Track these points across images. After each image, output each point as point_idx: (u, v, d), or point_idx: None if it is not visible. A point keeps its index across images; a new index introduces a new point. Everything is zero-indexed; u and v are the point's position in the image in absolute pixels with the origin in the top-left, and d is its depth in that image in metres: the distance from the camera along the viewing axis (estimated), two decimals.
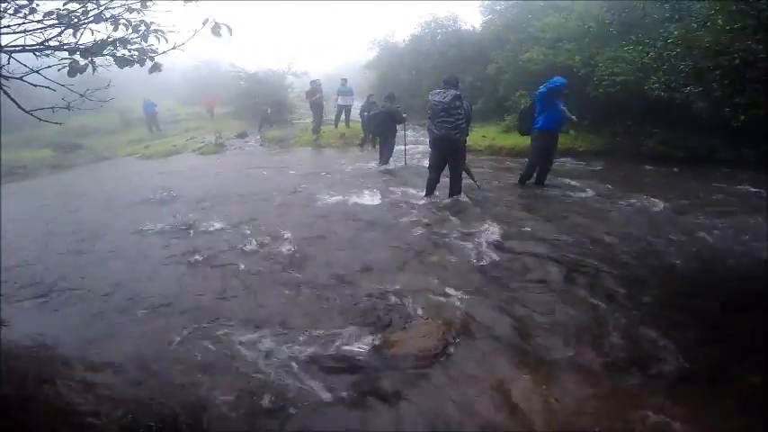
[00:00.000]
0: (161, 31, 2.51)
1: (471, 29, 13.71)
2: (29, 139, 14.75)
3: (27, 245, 4.71)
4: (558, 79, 5.32)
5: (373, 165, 7.74)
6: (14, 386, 2.31)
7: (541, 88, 5.31)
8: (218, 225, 4.90)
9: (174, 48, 2.53)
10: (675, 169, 6.76)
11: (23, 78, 2.27)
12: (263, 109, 13.72)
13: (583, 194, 5.51)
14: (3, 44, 2.24)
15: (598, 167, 7.11)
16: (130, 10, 2.47)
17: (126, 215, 5.68)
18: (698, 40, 3.79)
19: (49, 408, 2.20)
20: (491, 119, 10.43)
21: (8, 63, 2.29)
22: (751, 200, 5.10)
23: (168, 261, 4.03)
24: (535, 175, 5.80)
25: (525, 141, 8.08)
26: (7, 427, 1.97)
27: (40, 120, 2.42)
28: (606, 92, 7.50)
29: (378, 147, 7.99)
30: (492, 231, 4.23)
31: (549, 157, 5.72)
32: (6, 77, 2.26)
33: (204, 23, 2.35)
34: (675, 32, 4.42)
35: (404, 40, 15.79)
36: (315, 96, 11.09)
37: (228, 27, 2.37)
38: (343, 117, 12.11)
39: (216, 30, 2.36)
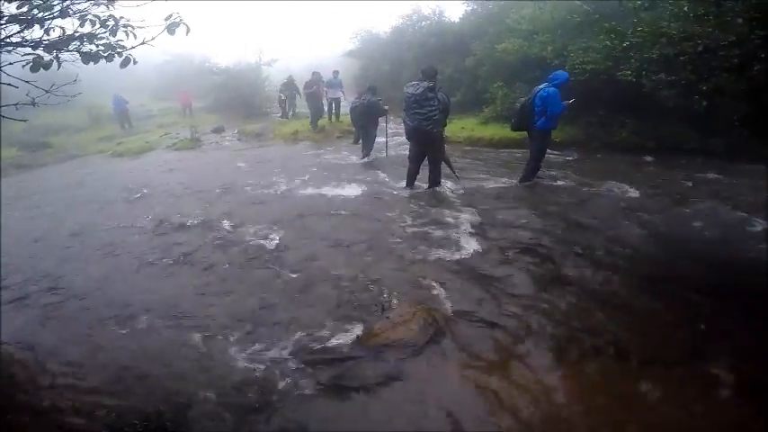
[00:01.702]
0: (130, 26, 2.45)
1: (453, 21, 13.75)
2: None
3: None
4: (562, 74, 5.17)
5: (354, 157, 7.72)
6: None
7: (548, 88, 5.02)
8: (195, 221, 4.82)
9: (142, 43, 2.47)
10: (647, 158, 6.97)
11: None
12: (278, 96, 13.44)
13: (558, 184, 5.65)
14: None
15: (572, 157, 7.29)
16: (98, 4, 2.40)
17: (99, 214, 5.52)
18: (665, 27, 3.85)
19: (33, 410, 2.17)
20: (470, 110, 10.51)
21: None
22: (717, 187, 5.33)
23: (146, 260, 3.96)
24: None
25: (504, 133, 8.26)
26: None
27: (3, 117, 2.33)
28: (577, 80, 7.65)
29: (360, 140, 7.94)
30: (470, 220, 4.31)
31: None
32: None
33: (167, 19, 2.31)
34: (646, 19, 4.48)
35: (385, 32, 15.73)
36: (312, 88, 10.85)
37: (186, 25, 2.35)
38: (326, 110, 11.88)
39: (171, 28, 2.33)
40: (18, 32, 2.25)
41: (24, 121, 2.71)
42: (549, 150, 7.11)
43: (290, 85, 13.17)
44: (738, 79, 3.29)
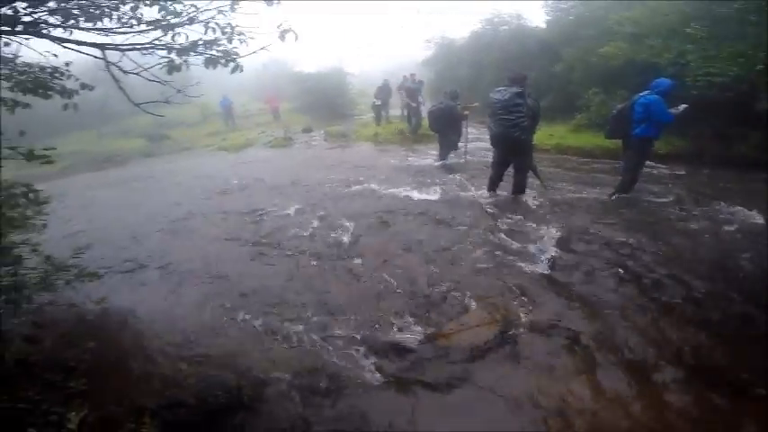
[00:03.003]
0: (243, 34, 2.74)
1: (535, 26, 13.11)
2: (124, 129, 16.62)
3: (119, 227, 5.32)
4: (664, 81, 4.74)
5: (431, 161, 7.74)
6: (109, 355, 2.59)
7: (650, 95, 4.66)
8: (286, 212, 5.22)
9: (262, 48, 2.73)
10: None
11: (138, 74, 2.62)
12: (374, 102, 12.99)
13: (659, 200, 5.07)
14: (117, 43, 2.60)
15: (681, 172, 6.48)
16: (221, 12, 2.72)
17: (207, 200, 6.22)
18: None
19: (137, 377, 2.44)
20: (558, 117, 9.90)
21: (120, 60, 2.64)
22: None
23: (240, 244, 4.37)
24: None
25: (597, 142, 7.67)
26: (97, 390, 2.23)
27: (147, 112, 2.77)
28: (700, 93, 6.78)
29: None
30: (555, 232, 4.07)
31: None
32: (124, 72, 2.61)
33: (279, 27, 2.53)
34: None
35: (462, 37, 15.54)
36: (415, 96, 10.89)
37: (294, 33, 2.56)
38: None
39: (283, 35, 2.55)
40: (161, 36, 2.64)
41: (161, 116, 3.18)
42: (651, 163, 6.47)
43: (384, 90, 12.75)
44: None
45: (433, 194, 5.57)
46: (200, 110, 18.15)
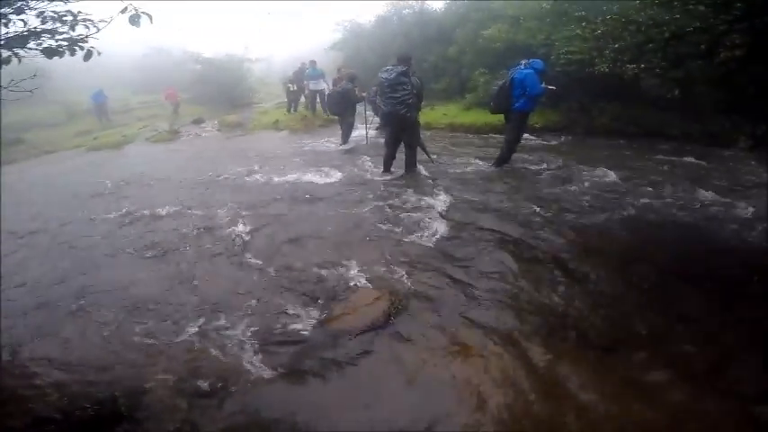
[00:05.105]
0: (90, 20, 2.46)
1: (436, 10, 13.56)
2: None
3: None
4: (539, 61, 5.19)
5: (333, 145, 7.64)
6: None
7: (525, 69, 5.04)
8: (167, 211, 4.70)
9: (97, 31, 2.46)
10: (628, 144, 6.98)
11: None
12: (287, 87, 11.83)
13: (534, 167, 5.61)
14: None
15: (553, 142, 7.27)
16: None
17: (73, 207, 5.35)
18: (633, 14, 3.74)
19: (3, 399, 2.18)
20: (453, 98, 10.46)
21: None
22: (693, 171, 5.34)
23: (116, 249, 3.87)
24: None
25: (485, 119, 8.23)
26: None
27: None
28: (563, 70, 7.61)
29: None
30: (443, 204, 4.26)
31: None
32: None
33: (123, 11, 2.30)
34: (620, 8, 4.39)
35: (369, 21, 15.49)
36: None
37: (149, 15, 2.34)
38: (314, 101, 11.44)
39: (134, 19, 2.32)
40: None
41: None
42: (528, 135, 7.13)
43: (301, 74, 11.62)
44: (708, 66, 3.24)
45: (332, 178, 5.50)
46: (65, 107, 15.58)
